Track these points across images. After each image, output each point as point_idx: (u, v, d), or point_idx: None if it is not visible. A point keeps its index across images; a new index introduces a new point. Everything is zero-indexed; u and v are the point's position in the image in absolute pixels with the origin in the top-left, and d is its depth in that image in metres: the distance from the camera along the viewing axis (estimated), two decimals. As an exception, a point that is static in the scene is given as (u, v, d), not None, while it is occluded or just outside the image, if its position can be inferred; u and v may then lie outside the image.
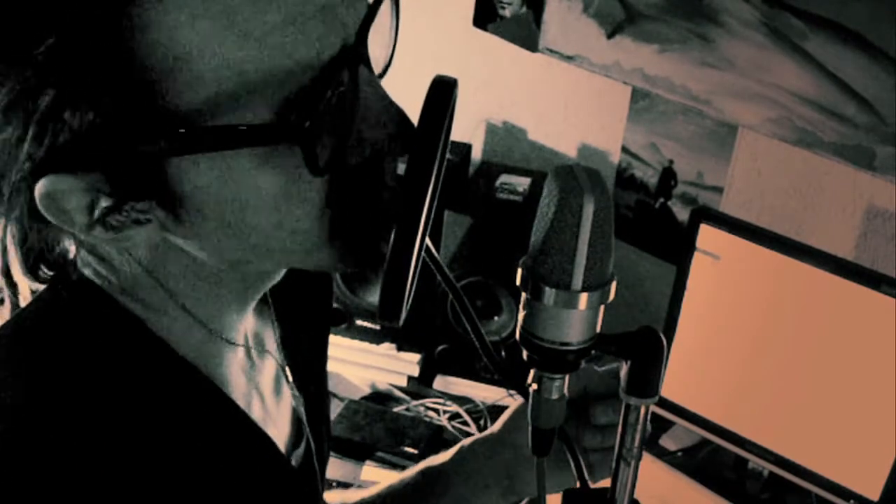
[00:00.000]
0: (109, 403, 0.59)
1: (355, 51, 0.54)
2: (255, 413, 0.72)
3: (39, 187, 0.52)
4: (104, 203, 0.53)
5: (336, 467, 1.53)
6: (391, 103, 0.56)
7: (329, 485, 1.47)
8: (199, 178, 0.53)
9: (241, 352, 0.71)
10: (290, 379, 0.79)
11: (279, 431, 0.76)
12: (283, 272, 0.68)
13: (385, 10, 0.57)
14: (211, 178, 0.53)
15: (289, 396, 0.79)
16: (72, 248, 0.62)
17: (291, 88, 0.51)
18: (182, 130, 0.51)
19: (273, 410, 0.76)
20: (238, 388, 0.70)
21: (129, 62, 0.49)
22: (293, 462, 0.76)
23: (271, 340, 0.78)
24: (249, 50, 0.50)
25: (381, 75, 0.59)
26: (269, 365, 0.77)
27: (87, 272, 0.62)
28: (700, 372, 1.46)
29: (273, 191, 0.54)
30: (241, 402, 0.69)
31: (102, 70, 0.49)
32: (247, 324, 0.73)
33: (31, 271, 0.61)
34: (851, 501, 1.34)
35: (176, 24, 0.49)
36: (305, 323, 0.84)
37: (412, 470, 0.94)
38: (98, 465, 0.57)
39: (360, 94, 0.55)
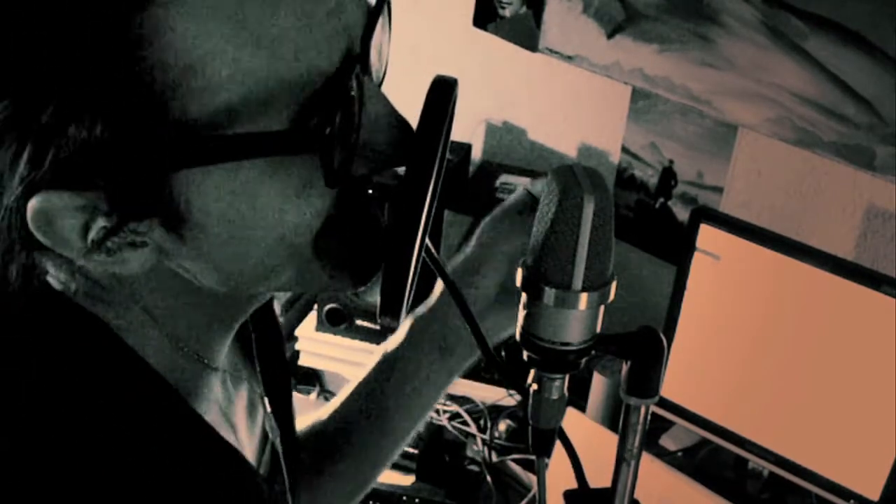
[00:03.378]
0: (76, 421, 0.56)
1: (360, 58, 0.53)
2: (230, 435, 0.69)
3: (33, 204, 0.49)
4: (102, 223, 0.50)
5: (336, 467, 1.53)
6: (397, 115, 0.55)
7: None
8: (205, 192, 0.51)
9: (217, 378, 0.69)
10: (269, 410, 0.77)
11: (254, 458, 0.74)
12: (268, 295, 0.66)
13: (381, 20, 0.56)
14: (219, 192, 0.51)
15: (261, 428, 0.77)
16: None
17: (305, 94, 0.50)
18: (194, 141, 0.49)
19: (246, 436, 0.73)
20: (212, 414, 0.68)
21: (137, 72, 0.47)
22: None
23: (247, 368, 0.76)
24: (261, 56, 0.48)
25: (383, 76, 0.59)
26: (243, 394, 0.75)
27: (49, 279, 0.58)
28: (700, 372, 1.46)
29: (280, 203, 0.52)
30: (215, 423, 0.67)
31: (109, 80, 0.47)
32: (227, 349, 0.70)
33: None
34: (851, 501, 1.34)
35: (185, 31, 0.47)
36: (272, 349, 0.82)
37: (372, 363, 0.92)
38: (61, 485, 0.54)
39: (365, 102, 0.54)
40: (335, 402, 0.94)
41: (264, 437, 0.78)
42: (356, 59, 0.52)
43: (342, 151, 0.52)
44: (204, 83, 0.48)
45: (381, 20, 0.56)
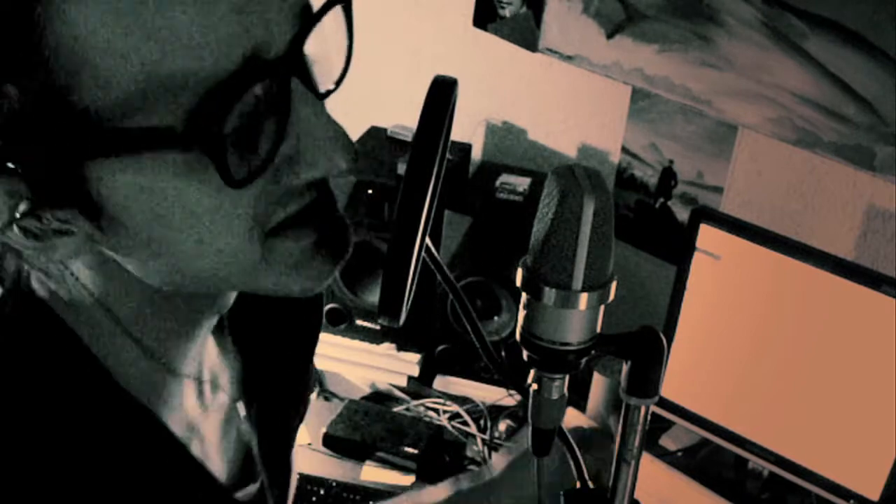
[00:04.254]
0: (35, 428, 0.58)
1: (285, 61, 0.52)
2: (196, 446, 0.70)
3: None
4: (23, 207, 0.52)
5: (336, 467, 1.53)
6: (332, 124, 0.55)
7: (329, 484, 1.47)
8: (116, 186, 0.52)
9: (189, 384, 0.70)
10: (243, 414, 0.77)
11: (225, 466, 0.74)
12: (233, 297, 0.66)
13: (335, 16, 0.55)
14: (129, 187, 0.52)
15: (241, 432, 0.77)
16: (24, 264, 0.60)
17: (202, 93, 0.50)
18: (92, 132, 0.49)
19: (218, 445, 0.74)
20: (180, 421, 0.68)
21: (38, 58, 0.48)
22: (240, 496, 0.75)
23: (227, 374, 0.76)
24: (155, 50, 0.48)
25: (338, 84, 0.57)
26: (222, 398, 0.75)
27: (36, 287, 0.60)
28: (700, 372, 1.46)
29: (194, 205, 0.52)
30: (181, 434, 0.68)
31: (10, 66, 0.48)
32: (202, 355, 0.71)
33: None
34: (851, 501, 1.34)
35: (79, 21, 0.47)
36: (279, 354, 0.82)
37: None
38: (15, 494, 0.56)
39: (293, 110, 0.53)
40: None
41: (246, 450, 0.77)
42: (281, 61, 0.52)
43: (253, 155, 0.52)
44: (100, 74, 0.48)
45: (337, 16, 0.55)
